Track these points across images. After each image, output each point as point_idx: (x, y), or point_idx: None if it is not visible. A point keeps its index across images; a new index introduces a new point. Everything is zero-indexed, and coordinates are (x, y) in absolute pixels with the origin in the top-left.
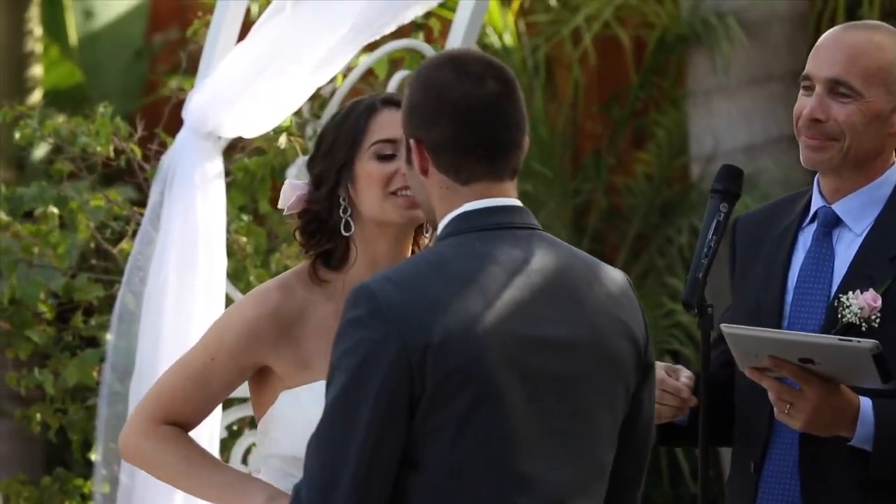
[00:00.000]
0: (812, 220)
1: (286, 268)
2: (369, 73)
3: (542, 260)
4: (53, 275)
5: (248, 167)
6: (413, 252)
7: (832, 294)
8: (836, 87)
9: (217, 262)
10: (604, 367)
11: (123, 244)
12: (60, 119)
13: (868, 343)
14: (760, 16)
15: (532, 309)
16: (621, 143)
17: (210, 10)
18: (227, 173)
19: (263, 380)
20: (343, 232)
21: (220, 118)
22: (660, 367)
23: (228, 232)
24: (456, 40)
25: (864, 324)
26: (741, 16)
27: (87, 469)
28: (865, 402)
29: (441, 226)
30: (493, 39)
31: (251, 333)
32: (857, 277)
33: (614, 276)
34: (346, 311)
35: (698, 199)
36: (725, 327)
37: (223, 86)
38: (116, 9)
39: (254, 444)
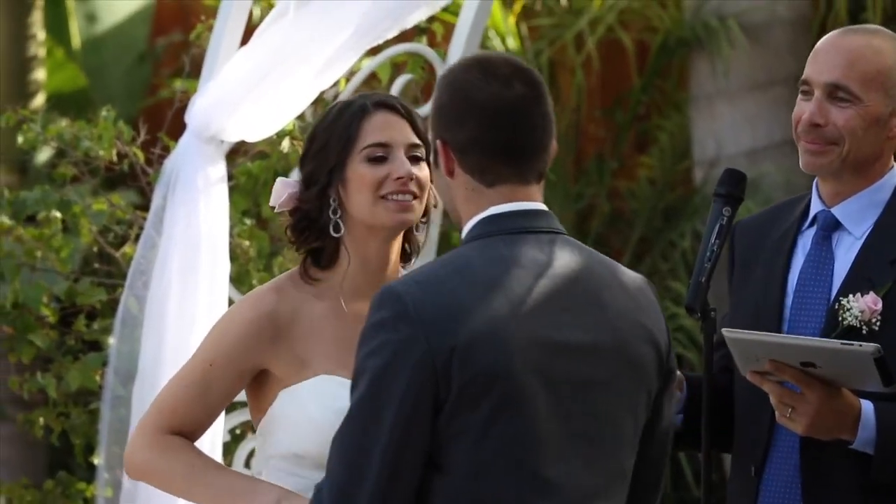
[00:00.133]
0: (811, 224)
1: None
2: (372, 77)
3: (565, 264)
4: (56, 279)
5: (251, 171)
6: (405, 250)
7: (832, 297)
8: (834, 92)
9: (220, 266)
10: (626, 372)
11: (126, 248)
12: (63, 123)
13: (869, 347)
14: (763, 20)
15: (556, 313)
16: (624, 147)
17: (213, 13)
18: (230, 177)
19: (261, 384)
20: (332, 233)
21: (223, 122)
22: None
23: (231, 236)
24: (459, 44)
25: (864, 327)
26: (743, 20)
27: (90, 473)
28: (867, 406)
29: (466, 229)
30: (496, 43)
31: (248, 336)
32: (857, 280)
33: (637, 282)
34: (372, 313)
35: (701, 204)
36: (727, 332)
37: (226, 90)
38: (120, 13)
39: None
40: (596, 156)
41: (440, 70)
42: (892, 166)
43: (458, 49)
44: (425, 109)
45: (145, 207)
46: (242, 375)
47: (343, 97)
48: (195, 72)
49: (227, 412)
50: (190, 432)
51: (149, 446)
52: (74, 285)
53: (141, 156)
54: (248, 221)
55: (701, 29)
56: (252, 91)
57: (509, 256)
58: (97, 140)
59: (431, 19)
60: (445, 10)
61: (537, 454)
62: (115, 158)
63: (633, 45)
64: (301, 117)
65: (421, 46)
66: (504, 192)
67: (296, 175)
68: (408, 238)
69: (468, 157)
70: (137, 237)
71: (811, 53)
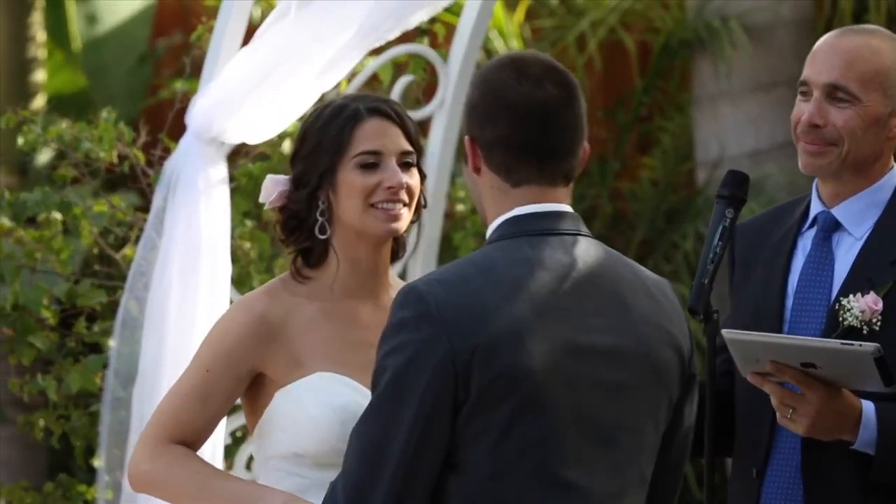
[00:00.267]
0: (811, 225)
1: None
2: (373, 79)
3: (590, 267)
4: (56, 280)
5: (252, 172)
6: (394, 251)
7: (832, 298)
8: (833, 92)
9: (221, 268)
10: (649, 376)
11: (127, 250)
12: (64, 124)
13: (870, 346)
14: (766, 21)
15: (580, 316)
16: (626, 148)
17: (214, 14)
18: (231, 179)
19: (256, 388)
20: (318, 234)
21: (223, 124)
22: None
23: (232, 237)
24: (461, 45)
25: (865, 327)
26: (746, 20)
27: (90, 475)
28: (868, 406)
29: (491, 228)
30: (498, 44)
31: (242, 339)
32: (857, 281)
33: (661, 286)
34: (394, 312)
35: (704, 205)
36: (727, 332)
37: (227, 91)
38: (120, 14)
39: None
40: (598, 157)
41: (441, 71)
42: (892, 166)
43: (460, 50)
44: (426, 111)
45: (146, 209)
46: (240, 379)
47: None
48: (196, 73)
49: (228, 415)
50: (192, 441)
51: (152, 457)
52: (75, 287)
53: (141, 157)
54: (249, 223)
55: (703, 30)
56: (253, 92)
57: (533, 258)
58: (98, 141)
59: (433, 20)
60: (447, 10)
61: (558, 456)
62: (115, 160)
63: (635, 46)
64: (302, 119)
65: (422, 47)
66: (529, 193)
67: None
68: (396, 238)
69: (495, 155)
70: (138, 239)
71: (810, 54)
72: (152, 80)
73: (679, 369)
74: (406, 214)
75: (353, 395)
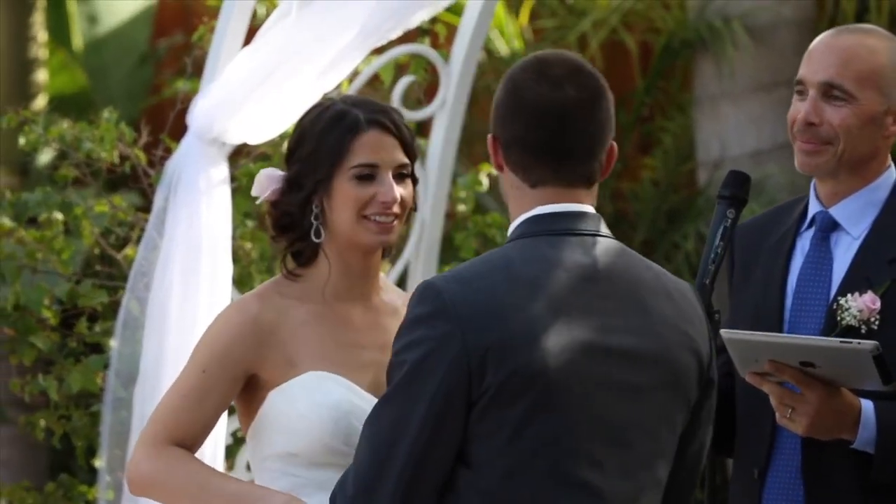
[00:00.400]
0: (810, 226)
1: None
2: (375, 79)
3: (610, 268)
4: (58, 281)
5: (253, 172)
6: (383, 253)
7: (831, 297)
8: (829, 91)
9: (222, 268)
10: (666, 379)
11: (128, 250)
12: (65, 124)
13: (868, 344)
14: (767, 21)
15: (598, 317)
16: (628, 148)
17: (215, 14)
18: (232, 179)
19: (249, 390)
20: (313, 237)
21: (225, 124)
22: None
23: (233, 237)
24: (462, 46)
25: (863, 326)
26: (748, 21)
27: (91, 475)
28: (867, 405)
29: (511, 227)
30: (500, 45)
31: (237, 340)
32: (855, 280)
33: (682, 289)
34: (412, 308)
35: (705, 205)
36: (725, 332)
37: (228, 91)
38: (121, 14)
39: None
40: None
41: (443, 72)
42: (889, 165)
43: (461, 50)
44: (427, 111)
45: (147, 209)
46: (236, 380)
47: None
48: (197, 73)
49: (229, 415)
50: (191, 443)
51: (152, 458)
52: (76, 287)
53: (143, 157)
54: (250, 223)
55: (705, 30)
56: (254, 92)
57: (552, 257)
58: (99, 142)
59: (434, 20)
60: (449, 11)
61: (572, 456)
62: (116, 160)
63: (636, 46)
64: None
65: (424, 48)
66: (547, 194)
67: None
68: None
69: (513, 154)
70: (139, 239)
71: (806, 53)
72: (153, 81)
73: (697, 373)
74: (398, 226)
75: (346, 394)
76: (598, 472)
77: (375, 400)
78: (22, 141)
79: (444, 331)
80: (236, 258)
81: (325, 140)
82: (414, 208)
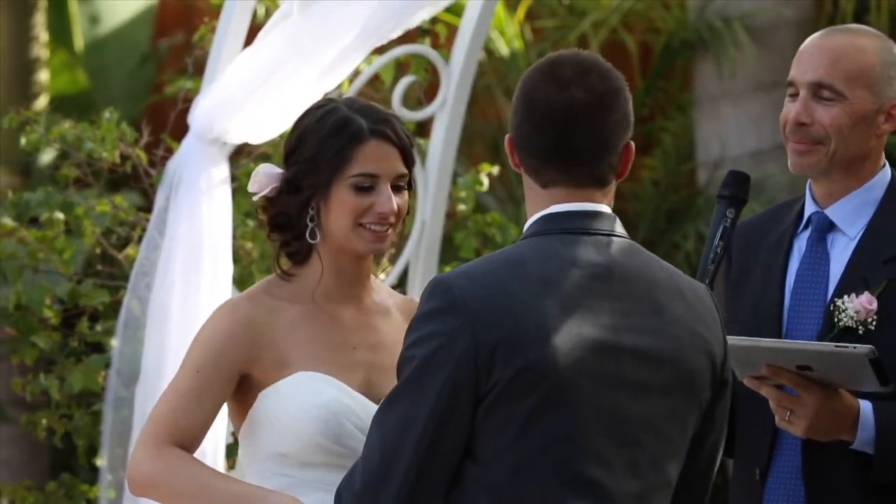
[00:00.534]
0: (806, 226)
1: None
2: (375, 79)
3: (623, 268)
4: (59, 280)
5: None
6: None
7: (828, 298)
8: (819, 91)
9: (223, 268)
10: (679, 380)
11: (129, 250)
12: (66, 125)
13: (864, 349)
14: (767, 21)
15: (609, 316)
16: None
17: (216, 14)
18: (233, 179)
19: (243, 390)
20: (309, 239)
21: (225, 124)
22: None
23: (234, 237)
24: (462, 46)
25: (860, 327)
26: (748, 21)
27: (93, 474)
28: (865, 406)
29: (526, 225)
30: (500, 45)
31: (231, 339)
32: (852, 281)
33: (697, 290)
34: (422, 303)
35: (705, 205)
36: None
37: (229, 91)
38: (122, 14)
39: None
40: None
41: (443, 72)
42: (884, 165)
43: (462, 51)
44: (428, 111)
45: (148, 209)
46: (230, 380)
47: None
48: (198, 73)
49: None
50: (189, 444)
51: (152, 458)
52: (77, 287)
53: (144, 157)
54: (250, 223)
55: (705, 30)
56: (255, 92)
57: (565, 255)
58: (100, 142)
59: (434, 20)
60: (449, 11)
61: (579, 455)
62: (118, 160)
63: (636, 46)
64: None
65: (424, 48)
66: (558, 194)
67: None
68: None
69: (523, 155)
70: (140, 239)
71: (796, 54)
72: (154, 81)
73: (710, 374)
74: (392, 234)
75: (336, 394)
76: (605, 470)
77: (366, 400)
78: (23, 141)
79: (454, 326)
80: (237, 258)
81: (327, 146)
82: (407, 212)
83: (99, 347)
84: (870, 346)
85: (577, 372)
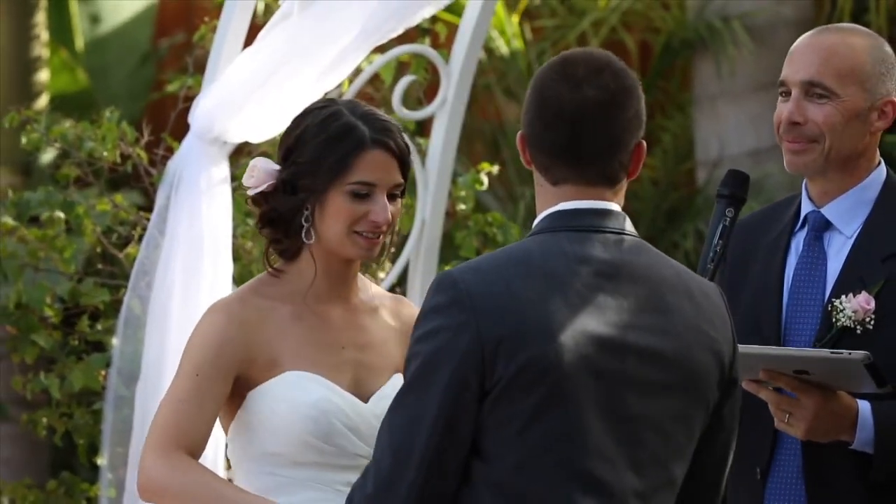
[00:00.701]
0: (803, 226)
1: None
2: (375, 78)
3: (631, 266)
4: (59, 279)
5: None
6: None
7: (826, 298)
8: (811, 89)
9: (223, 267)
10: (685, 380)
11: (129, 249)
12: (67, 124)
13: (859, 354)
14: (766, 21)
15: (616, 314)
16: None
17: (217, 14)
18: (233, 178)
19: (232, 390)
20: (304, 239)
21: (226, 123)
22: None
23: (234, 236)
24: (462, 45)
25: (858, 326)
26: (747, 21)
27: (93, 473)
28: (864, 406)
29: (535, 222)
30: (500, 44)
31: (227, 339)
32: (849, 280)
33: (706, 289)
34: (428, 298)
35: (704, 204)
36: None
37: (230, 91)
38: (123, 13)
39: None
40: None
41: (443, 71)
42: (879, 163)
43: (462, 50)
44: (428, 111)
45: (149, 208)
46: (227, 380)
47: (347, 98)
48: (198, 73)
49: None
50: (195, 448)
51: (162, 464)
52: (78, 286)
53: (144, 157)
54: (250, 222)
55: (704, 30)
56: (256, 92)
57: (571, 252)
58: (101, 141)
59: (434, 20)
60: (449, 11)
61: (582, 451)
62: (118, 159)
63: (636, 46)
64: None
65: (424, 48)
66: (568, 192)
67: None
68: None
69: (534, 152)
70: (141, 238)
71: (788, 54)
72: (155, 80)
73: (718, 374)
74: (383, 240)
75: (326, 393)
76: (608, 467)
77: (355, 399)
78: (24, 140)
79: (459, 320)
80: (237, 257)
81: (328, 151)
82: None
83: (99, 346)
84: (865, 351)
85: (580, 369)
